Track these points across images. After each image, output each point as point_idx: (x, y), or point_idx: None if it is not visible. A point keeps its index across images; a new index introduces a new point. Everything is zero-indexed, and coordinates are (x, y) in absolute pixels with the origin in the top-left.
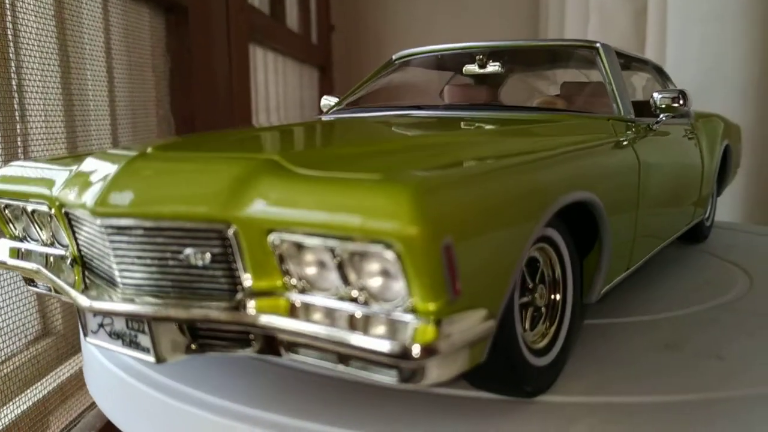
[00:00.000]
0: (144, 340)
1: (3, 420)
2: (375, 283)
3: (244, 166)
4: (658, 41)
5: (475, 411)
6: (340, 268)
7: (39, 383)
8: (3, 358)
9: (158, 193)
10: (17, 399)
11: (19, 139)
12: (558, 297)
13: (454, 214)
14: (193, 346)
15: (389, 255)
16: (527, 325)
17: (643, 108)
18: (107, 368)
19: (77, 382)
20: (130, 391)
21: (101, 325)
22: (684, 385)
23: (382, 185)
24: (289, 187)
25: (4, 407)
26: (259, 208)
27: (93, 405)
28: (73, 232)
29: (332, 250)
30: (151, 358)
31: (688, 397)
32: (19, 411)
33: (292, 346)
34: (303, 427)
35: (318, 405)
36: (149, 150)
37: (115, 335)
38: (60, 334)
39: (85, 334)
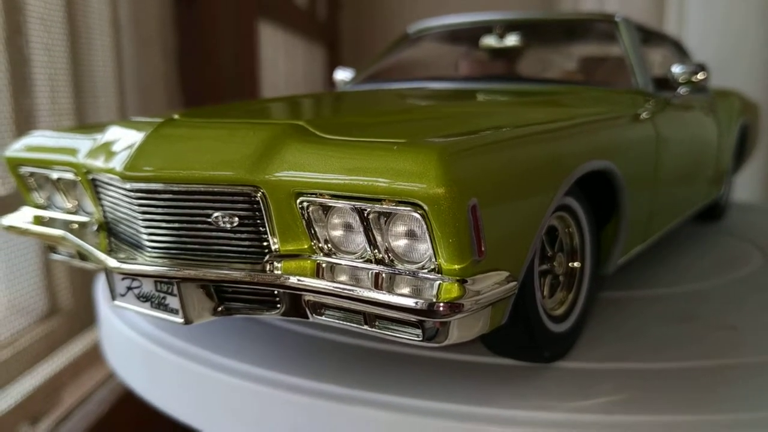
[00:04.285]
0: (173, 301)
1: (14, 396)
2: (401, 244)
3: (271, 131)
4: (678, 17)
5: (494, 376)
6: (367, 230)
7: (50, 359)
8: (11, 337)
9: (187, 157)
10: (28, 374)
11: (33, 114)
12: (576, 265)
13: (479, 178)
14: (220, 308)
15: (416, 215)
16: (546, 292)
17: (662, 84)
18: (126, 335)
19: (89, 358)
20: (150, 356)
21: (129, 288)
22: (698, 353)
23: (409, 148)
24: (316, 151)
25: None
26: (286, 171)
27: (105, 381)
28: (99, 199)
29: (359, 212)
30: (179, 320)
31: (702, 363)
32: (31, 386)
33: (318, 308)
34: (323, 389)
35: (337, 369)
36: (176, 116)
37: (143, 297)
38: (70, 312)
39: (113, 297)
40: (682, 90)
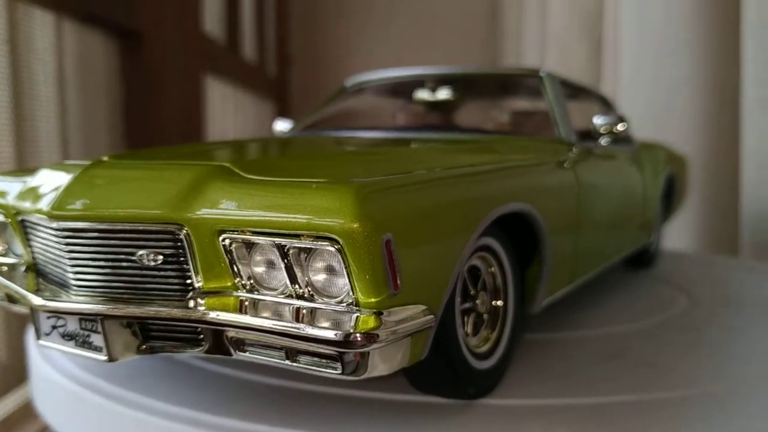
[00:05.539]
0: (97, 339)
1: None
2: (320, 279)
3: (197, 171)
4: (614, 75)
5: (420, 414)
6: (288, 266)
7: None
8: None
9: (113, 196)
10: None
11: None
12: (499, 304)
13: (393, 215)
14: (144, 347)
15: (333, 250)
16: (469, 330)
17: (587, 136)
18: (55, 381)
19: (22, 412)
20: (79, 401)
21: (54, 327)
22: (621, 389)
23: (327, 187)
24: (239, 190)
25: None
26: (210, 210)
27: None
28: (28, 240)
29: (280, 249)
30: (103, 357)
31: (625, 398)
32: None
33: (241, 344)
34: (250, 428)
35: (264, 409)
36: (105, 158)
37: (68, 336)
38: (5, 366)
39: (38, 337)
40: (603, 140)
